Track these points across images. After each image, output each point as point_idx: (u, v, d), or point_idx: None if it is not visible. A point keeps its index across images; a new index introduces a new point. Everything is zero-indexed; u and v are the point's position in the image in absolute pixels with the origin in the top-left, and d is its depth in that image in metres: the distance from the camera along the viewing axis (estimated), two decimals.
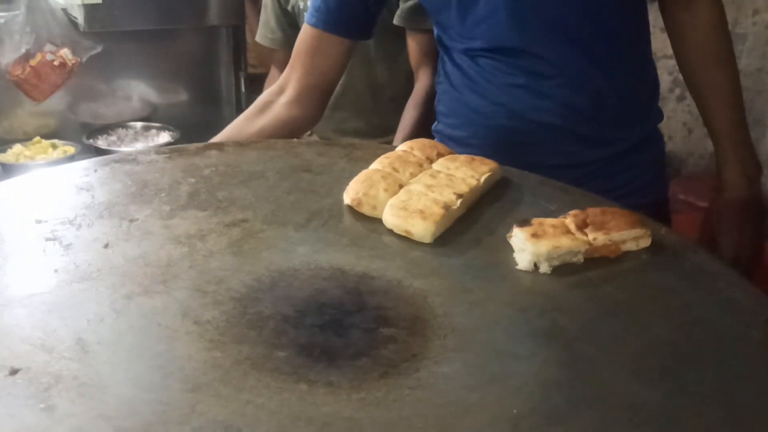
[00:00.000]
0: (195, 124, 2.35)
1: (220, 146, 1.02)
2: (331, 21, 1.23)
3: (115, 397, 0.56)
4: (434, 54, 1.18)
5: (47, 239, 0.77)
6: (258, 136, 1.20)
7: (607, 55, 1.13)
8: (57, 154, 2.13)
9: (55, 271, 0.71)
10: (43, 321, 0.64)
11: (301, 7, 1.81)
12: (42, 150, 2.14)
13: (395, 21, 1.71)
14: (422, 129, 1.61)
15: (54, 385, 0.56)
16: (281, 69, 1.94)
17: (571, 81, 1.13)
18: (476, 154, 0.97)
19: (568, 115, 1.14)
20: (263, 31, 1.95)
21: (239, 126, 1.23)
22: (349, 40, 1.26)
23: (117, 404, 0.55)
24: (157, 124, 2.34)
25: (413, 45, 1.69)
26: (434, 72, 1.41)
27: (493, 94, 1.17)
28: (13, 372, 0.57)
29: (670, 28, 1.15)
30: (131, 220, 0.81)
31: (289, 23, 1.89)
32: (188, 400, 0.56)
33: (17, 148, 2.14)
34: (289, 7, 1.85)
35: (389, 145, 0.99)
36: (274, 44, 1.94)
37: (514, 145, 1.15)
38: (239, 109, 2.43)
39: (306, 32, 1.27)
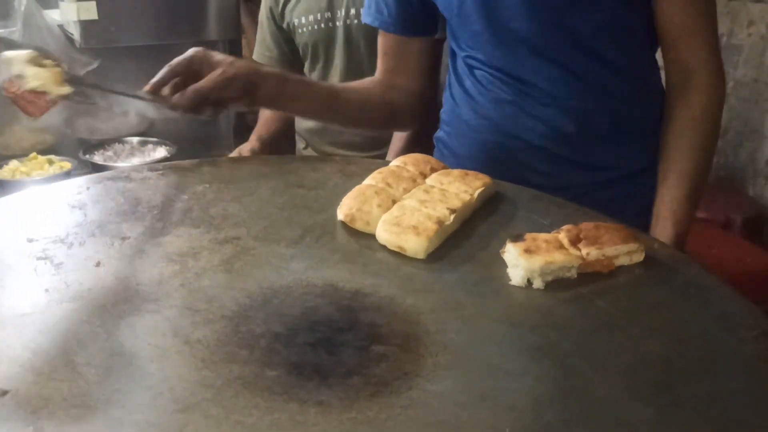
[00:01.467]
0: (191, 139, 2.35)
1: (213, 162, 1.02)
2: (389, 22, 1.23)
3: (105, 419, 0.55)
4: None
5: (38, 258, 0.76)
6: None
7: (600, 81, 1.10)
8: (53, 169, 2.12)
9: (46, 290, 0.71)
10: (33, 341, 0.63)
11: (296, 23, 1.82)
12: (38, 166, 2.14)
13: None
14: (414, 144, 1.60)
15: (43, 407, 0.55)
16: None
17: (558, 103, 1.11)
18: (468, 166, 0.97)
19: (553, 136, 1.12)
20: (260, 48, 1.96)
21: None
22: (416, 38, 1.24)
23: (106, 425, 0.55)
24: (154, 139, 2.34)
25: None
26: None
27: (483, 107, 1.17)
28: (2, 394, 0.57)
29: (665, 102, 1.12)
30: (123, 239, 0.81)
31: (285, 40, 1.90)
32: (178, 420, 0.56)
33: (13, 164, 2.13)
34: (284, 25, 1.86)
35: (382, 160, 0.99)
36: (272, 61, 1.94)
37: (500, 161, 1.15)
38: (236, 124, 2.44)
39: (380, 36, 1.27)
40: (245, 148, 1.85)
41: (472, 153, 1.19)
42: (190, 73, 1.03)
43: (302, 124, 1.93)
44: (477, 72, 1.17)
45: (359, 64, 1.76)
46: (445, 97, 1.28)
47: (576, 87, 1.10)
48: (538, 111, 1.12)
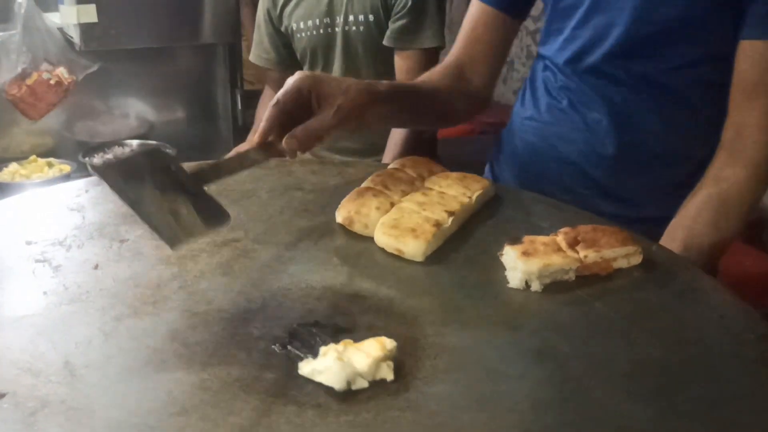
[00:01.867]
0: (192, 142, 2.35)
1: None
2: None
3: (103, 421, 0.55)
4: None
5: (37, 261, 0.76)
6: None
7: (669, 117, 1.06)
8: (53, 172, 2.13)
9: (45, 293, 0.71)
10: (32, 344, 0.63)
11: (294, 28, 1.82)
12: (38, 169, 2.14)
13: (385, 41, 1.72)
14: (411, 148, 1.60)
15: (40, 410, 0.55)
16: (275, 88, 1.92)
17: (610, 121, 1.08)
18: (502, 167, 0.96)
19: (589, 155, 1.10)
20: (257, 51, 1.96)
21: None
22: (507, 17, 1.21)
23: (104, 428, 0.55)
24: (154, 142, 2.34)
25: (400, 64, 1.70)
26: None
27: (533, 108, 1.17)
28: (0, 396, 0.57)
29: None
30: (122, 241, 0.81)
31: (284, 44, 1.90)
32: (176, 423, 0.55)
33: (13, 166, 2.13)
34: (283, 28, 1.86)
35: (381, 163, 0.99)
36: (269, 64, 1.94)
37: (529, 169, 1.14)
38: (236, 127, 2.44)
39: (473, 7, 1.23)
40: (243, 148, 1.85)
41: (511, 152, 1.19)
42: (299, 106, 0.87)
43: None
44: (545, 73, 1.18)
45: (357, 70, 1.76)
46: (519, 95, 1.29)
47: (636, 116, 1.07)
48: (583, 125, 1.10)
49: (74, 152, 2.26)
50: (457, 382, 0.61)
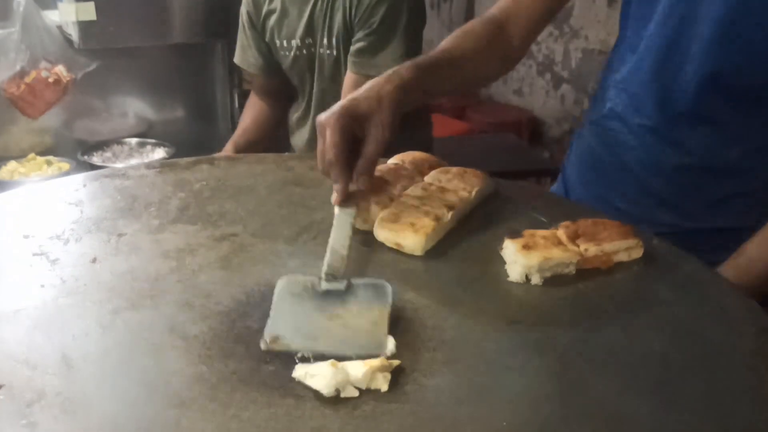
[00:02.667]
0: (190, 140, 2.35)
1: (210, 160, 1.02)
2: None
3: (99, 413, 0.55)
4: None
5: (34, 254, 0.76)
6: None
7: (739, 133, 1.00)
8: (52, 170, 2.13)
9: (42, 286, 0.71)
10: (28, 336, 0.63)
11: (278, 45, 1.71)
12: (37, 167, 2.14)
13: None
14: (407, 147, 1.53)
15: (37, 401, 0.55)
16: (261, 95, 1.85)
17: (670, 135, 1.03)
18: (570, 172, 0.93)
19: (651, 167, 1.05)
20: (243, 54, 1.81)
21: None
22: None
23: (101, 420, 0.54)
24: (152, 140, 2.34)
25: (347, 83, 1.59)
26: None
27: (597, 111, 1.13)
28: None
29: None
30: (120, 235, 0.81)
31: (269, 50, 1.80)
32: (173, 415, 0.55)
33: (12, 164, 2.13)
34: (266, 39, 1.76)
35: (381, 159, 0.98)
36: (255, 69, 1.81)
37: (590, 174, 1.11)
38: (234, 125, 2.43)
39: None
40: (219, 157, 1.74)
41: (578, 155, 1.16)
42: (350, 144, 0.84)
43: (297, 138, 1.83)
44: (617, 75, 1.11)
45: (334, 96, 1.64)
46: None
47: (702, 130, 1.02)
48: (656, 148, 1.05)
49: (73, 150, 2.26)
50: (456, 375, 0.61)
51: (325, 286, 0.71)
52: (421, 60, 0.96)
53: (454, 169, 0.95)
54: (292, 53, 1.69)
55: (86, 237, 0.80)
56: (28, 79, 2.09)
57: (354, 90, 1.46)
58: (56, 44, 2.14)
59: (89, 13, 2.01)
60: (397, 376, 0.60)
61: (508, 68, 1.17)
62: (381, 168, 0.94)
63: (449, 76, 1.01)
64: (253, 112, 1.86)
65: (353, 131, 0.83)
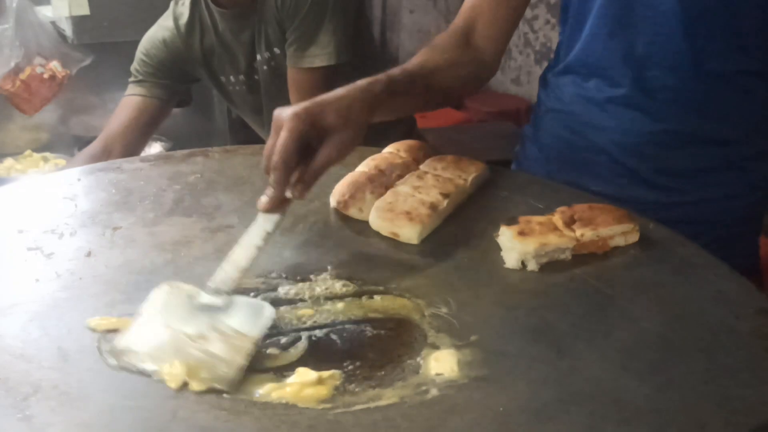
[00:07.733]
0: (187, 135, 2.34)
1: (205, 152, 1.01)
2: None
3: (96, 406, 0.55)
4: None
5: (29, 249, 0.76)
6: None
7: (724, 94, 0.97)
8: (48, 167, 2.12)
9: (37, 280, 0.70)
10: (24, 331, 0.63)
11: (224, 81, 1.68)
12: (33, 163, 2.14)
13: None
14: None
15: (33, 395, 0.55)
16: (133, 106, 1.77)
17: (647, 104, 1.00)
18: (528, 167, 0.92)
19: (624, 142, 1.03)
20: (144, 68, 1.80)
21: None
22: None
23: (97, 412, 0.54)
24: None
25: (290, 79, 1.53)
26: None
27: (556, 99, 1.12)
28: None
29: None
30: (115, 228, 0.81)
31: (185, 76, 1.77)
32: (170, 406, 0.55)
33: (8, 161, 2.13)
34: (209, 73, 1.74)
35: (375, 148, 0.98)
36: (159, 88, 1.77)
37: (559, 162, 1.10)
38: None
39: None
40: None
41: (537, 148, 1.14)
42: (300, 150, 0.77)
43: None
44: (570, 59, 1.09)
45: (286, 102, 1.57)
46: None
47: (685, 93, 0.99)
48: (618, 110, 1.03)
49: (69, 147, 2.25)
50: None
51: (204, 299, 0.66)
52: (395, 75, 0.92)
53: (450, 157, 0.95)
54: (238, 88, 1.67)
55: (81, 231, 0.80)
56: (23, 76, 2.09)
57: (296, 86, 1.39)
58: (50, 40, 2.13)
59: (83, 7, 2.01)
60: (394, 364, 0.60)
61: (483, 79, 1.13)
62: (376, 157, 0.94)
63: (422, 91, 0.97)
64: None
65: (309, 139, 0.77)
